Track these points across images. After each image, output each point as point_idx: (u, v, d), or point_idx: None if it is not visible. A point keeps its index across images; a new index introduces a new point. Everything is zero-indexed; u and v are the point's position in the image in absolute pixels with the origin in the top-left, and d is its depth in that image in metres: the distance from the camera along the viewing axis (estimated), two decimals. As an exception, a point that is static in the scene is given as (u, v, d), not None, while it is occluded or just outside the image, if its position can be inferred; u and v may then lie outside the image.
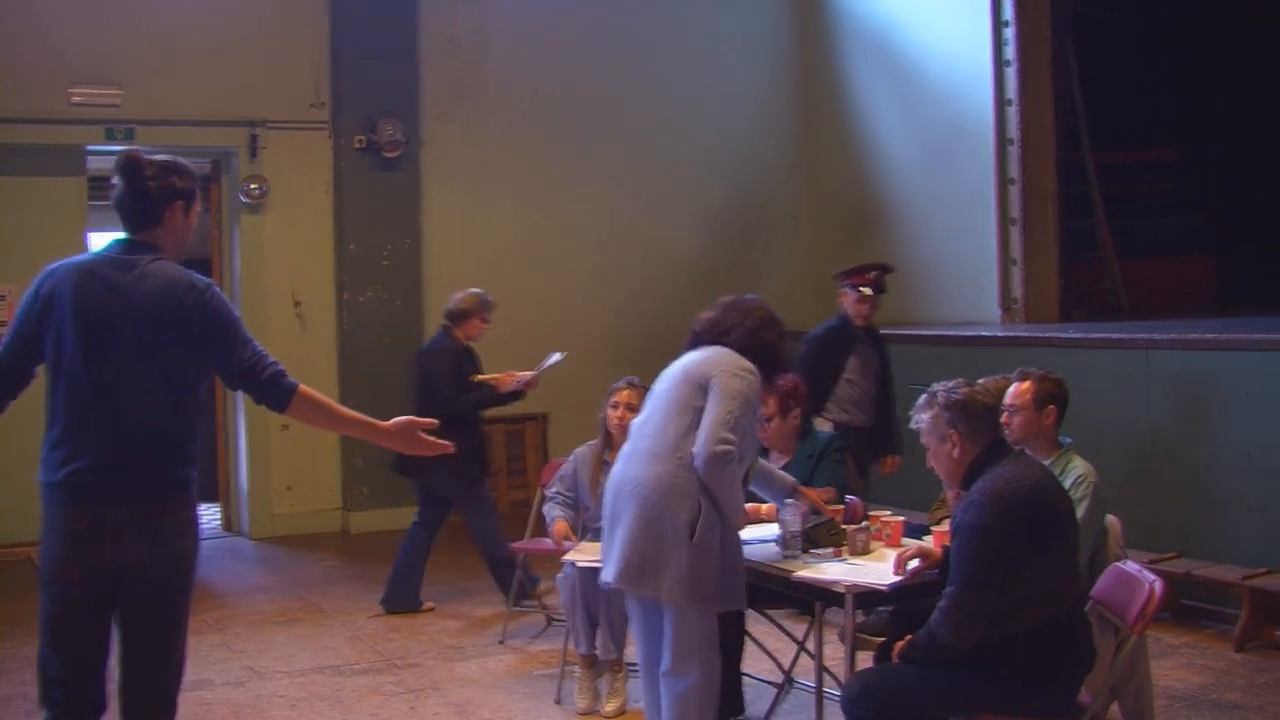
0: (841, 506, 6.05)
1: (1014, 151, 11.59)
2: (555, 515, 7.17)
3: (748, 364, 5.21)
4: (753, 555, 5.53)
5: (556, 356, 8.58)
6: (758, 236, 13.76)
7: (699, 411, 5.09)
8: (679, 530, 5.02)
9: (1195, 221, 15.28)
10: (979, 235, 11.80)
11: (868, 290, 8.63)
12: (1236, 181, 15.63)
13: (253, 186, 11.52)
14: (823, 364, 8.51)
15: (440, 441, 4.54)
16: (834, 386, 8.69)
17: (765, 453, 6.69)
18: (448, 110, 12.32)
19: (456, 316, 8.69)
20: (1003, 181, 11.62)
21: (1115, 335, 8.83)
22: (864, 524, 5.73)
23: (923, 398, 4.90)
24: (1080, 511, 5.48)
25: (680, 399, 5.17)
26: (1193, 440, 8.42)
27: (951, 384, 4.87)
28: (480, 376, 8.60)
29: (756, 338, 5.33)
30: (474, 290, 8.80)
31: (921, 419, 4.86)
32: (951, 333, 10.77)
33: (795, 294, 13.26)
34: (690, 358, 5.34)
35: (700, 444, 5.02)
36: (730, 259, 13.41)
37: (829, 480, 6.45)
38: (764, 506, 6.19)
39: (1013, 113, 11.56)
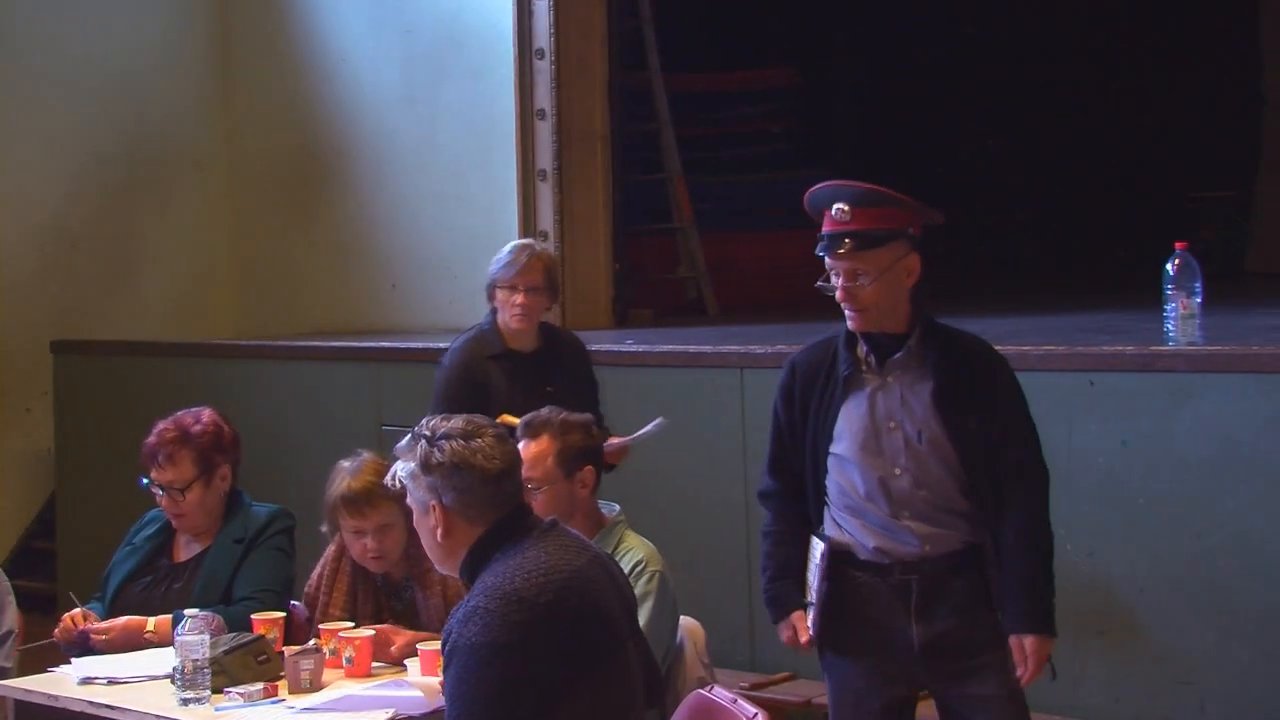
0: (279, 616, 6.02)
1: (544, 69, 11.78)
2: None
3: None
4: (125, 703, 5.47)
5: (658, 421, 7.80)
6: (145, 197, 13.59)
7: None
8: None
9: (817, 176, 15.84)
10: (491, 196, 11.99)
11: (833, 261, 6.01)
12: (876, 120, 16.35)
13: None
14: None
15: None
16: None
17: (171, 532, 6.56)
18: None
19: (488, 295, 8.07)
20: (526, 114, 11.82)
21: (695, 348, 9.07)
22: (311, 644, 5.73)
23: (405, 440, 4.83)
24: (643, 616, 5.57)
25: None
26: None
27: (450, 423, 4.78)
28: (507, 417, 7.72)
29: None
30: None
31: (400, 471, 4.79)
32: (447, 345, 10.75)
33: (206, 277, 13.25)
34: None
35: None
36: (102, 230, 13.16)
37: (265, 577, 6.39)
38: (155, 619, 6.14)
39: (542, 8, 11.73)
